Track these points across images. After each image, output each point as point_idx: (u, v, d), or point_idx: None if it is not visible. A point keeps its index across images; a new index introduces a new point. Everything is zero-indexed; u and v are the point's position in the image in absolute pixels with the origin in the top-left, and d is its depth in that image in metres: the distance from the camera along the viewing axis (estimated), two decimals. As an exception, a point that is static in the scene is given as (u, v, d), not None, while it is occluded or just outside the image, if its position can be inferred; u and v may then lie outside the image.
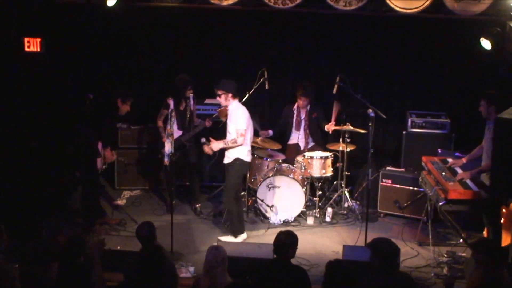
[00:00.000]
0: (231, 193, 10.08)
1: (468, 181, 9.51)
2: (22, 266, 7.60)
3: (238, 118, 9.87)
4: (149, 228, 7.57)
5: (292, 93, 12.14)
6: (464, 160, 10.01)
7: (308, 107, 11.62)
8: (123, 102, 10.48)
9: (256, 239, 10.15)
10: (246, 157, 10.03)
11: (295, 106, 11.65)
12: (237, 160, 9.93)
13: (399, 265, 7.19)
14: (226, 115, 10.86)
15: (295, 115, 11.67)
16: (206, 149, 10.08)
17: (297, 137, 11.73)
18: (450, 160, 10.22)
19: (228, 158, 10.02)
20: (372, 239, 7.21)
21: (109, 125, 10.72)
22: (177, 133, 10.81)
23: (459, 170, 9.85)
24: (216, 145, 9.98)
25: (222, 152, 10.21)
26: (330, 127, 11.45)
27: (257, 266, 7.47)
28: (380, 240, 7.14)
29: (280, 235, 7.27)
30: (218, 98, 9.94)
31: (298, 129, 11.67)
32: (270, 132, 11.73)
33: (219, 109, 10.96)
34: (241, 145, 9.86)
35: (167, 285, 7.10)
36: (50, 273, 7.12)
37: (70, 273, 7.08)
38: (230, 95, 9.86)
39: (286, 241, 7.22)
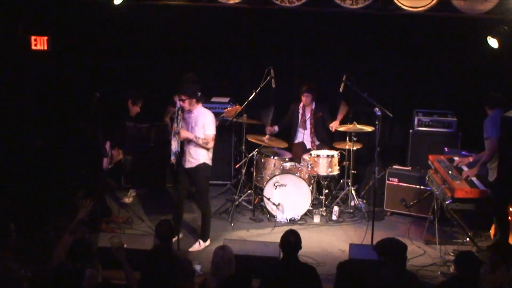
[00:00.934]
0: (205, 196, 10.00)
1: (475, 180, 9.50)
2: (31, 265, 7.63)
3: (208, 123, 9.65)
4: (169, 227, 7.59)
5: (298, 92, 12.16)
6: (471, 159, 10.00)
7: (313, 106, 11.62)
8: (134, 103, 10.48)
9: (262, 237, 10.14)
10: (210, 160, 9.87)
11: (301, 105, 11.67)
12: (202, 164, 9.76)
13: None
14: (233, 115, 10.89)
15: (300, 113, 11.68)
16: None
17: (302, 136, 11.73)
18: (456, 158, 10.22)
19: (190, 163, 9.78)
20: (377, 242, 7.21)
21: (119, 126, 10.73)
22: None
23: (465, 169, 9.85)
24: (185, 134, 9.64)
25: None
26: (334, 125, 11.46)
27: (267, 266, 7.46)
28: (387, 240, 7.15)
29: (289, 237, 7.25)
30: (181, 102, 9.64)
31: (304, 127, 11.68)
32: (276, 128, 11.74)
33: (226, 109, 10.98)
34: (208, 149, 9.74)
35: (183, 279, 7.08)
36: (47, 274, 7.15)
37: (61, 277, 7.07)
38: (194, 100, 9.61)
39: (296, 241, 7.23)
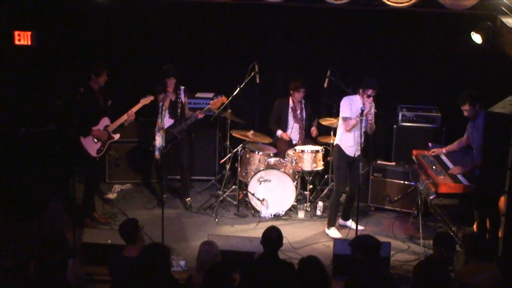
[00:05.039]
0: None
1: (459, 175, 9.52)
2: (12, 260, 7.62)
3: None
4: (133, 227, 7.56)
5: (284, 87, 12.16)
6: (444, 150, 10.05)
7: (303, 102, 11.56)
8: (97, 75, 10.14)
9: (247, 233, 10.16)
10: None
11: (291, 103, 11.58)
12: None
13: (380, 259, 7.26)
14: (218, 108, 10.89)
15: (290, 109, 11.55)
16: None
17: (290, 131, 11.64)
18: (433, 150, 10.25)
19: (359, 151, 10.12)
20: (353, 238, 7.33)
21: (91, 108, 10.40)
22: (168, 122, 10.77)
23: (449, 164, 9.85)
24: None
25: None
26: (314, 132, 11.61)
27: (246, 261, 7.50)
28: (363, 236, 7.29)
29: (271, 233, 7.30)
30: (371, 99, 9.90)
31: (297, 123, 11.58)
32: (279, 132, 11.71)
33: (211, 102, 10.96)
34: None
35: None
36: (29, 269, 7.14)
37: (46, 271, 7.06)
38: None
39: (278, 238, 7.28)
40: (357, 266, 6.91)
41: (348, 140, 10.12)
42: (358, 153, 10.10)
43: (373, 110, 9.91)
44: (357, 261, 6.90)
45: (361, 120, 9.64)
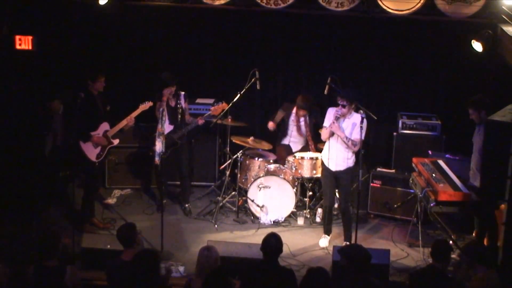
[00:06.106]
0: (349, 198, 10.33)
1: (458, 183, 9.51)
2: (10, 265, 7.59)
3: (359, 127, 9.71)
4: (130, 231, 7.53)
5: (283, 93, 12.18)
6: None
7: (308, 115, 11.50)
8: (94, 80, 10.12)
9: (246, 239, 10.16)
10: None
11: (294, 111, 11.47)
12: (352, 167, 10.07)
13: (370, 270, 7.27)
14: (219, 114, 10.88)
15: (293, 119, 11.49)
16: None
17: (289, 139, 11.65)
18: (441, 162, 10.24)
19: (339, 166, 9.99)
20: (343, 246, 7.36)
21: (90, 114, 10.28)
22: (168, 127, 10.76)
23: (449, 172, 9.85)
24: (338, 132, 9.79)
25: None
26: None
27: (246, 267, 7.50)
28: (353, 245, 7.30)
29: (271, 239, 7.31)
30: (341, 108, 9.74)
31: (301, 135, 11.56)
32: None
33: (212, 108, 10.96)
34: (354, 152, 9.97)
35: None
36: (27, 274, 7.12)
37: (44, 276, 7.05)
38: (353, 105, 9.85)
39: (277, 244, 7.29)
40: (343, 273, 6.95)
41: (326, 152, 10.08)
42: (340, 168, 10.01)
43: (337, 121, 9.78)
44: (343, 267, 6.94)
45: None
